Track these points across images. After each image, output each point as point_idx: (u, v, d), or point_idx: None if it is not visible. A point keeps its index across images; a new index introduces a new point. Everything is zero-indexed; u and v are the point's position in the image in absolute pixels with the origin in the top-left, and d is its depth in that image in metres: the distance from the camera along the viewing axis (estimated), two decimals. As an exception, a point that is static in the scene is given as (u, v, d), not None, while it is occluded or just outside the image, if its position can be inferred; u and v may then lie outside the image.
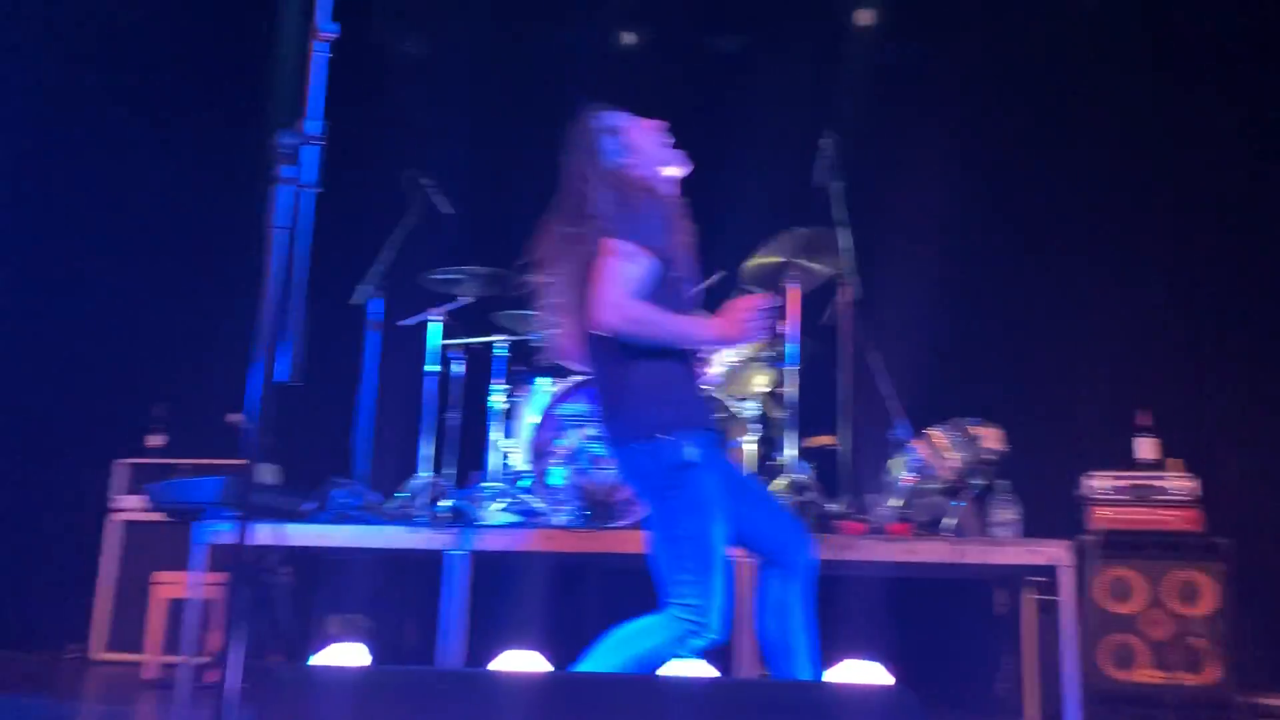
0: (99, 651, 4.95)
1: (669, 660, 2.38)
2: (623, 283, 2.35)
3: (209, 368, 5.25)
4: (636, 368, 2.42)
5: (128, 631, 4.83)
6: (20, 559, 5.44)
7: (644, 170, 2.60)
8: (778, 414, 4.33)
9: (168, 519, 4.34)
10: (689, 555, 2.34)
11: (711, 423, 2.53)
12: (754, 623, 2.62)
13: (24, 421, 5.62)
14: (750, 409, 4.31)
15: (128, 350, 5.51)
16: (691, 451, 2.36)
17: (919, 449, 3.85)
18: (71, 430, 5.49)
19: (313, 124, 1.80)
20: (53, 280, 5.70)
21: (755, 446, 4.30)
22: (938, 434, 3.87)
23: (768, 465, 4.29)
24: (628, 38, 5.77)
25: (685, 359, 2.51)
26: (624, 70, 5.63)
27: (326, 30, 1.81)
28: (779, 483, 4.02)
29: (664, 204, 2.50)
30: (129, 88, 5.64)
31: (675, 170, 2.66)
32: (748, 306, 2.45)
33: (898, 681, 3.47)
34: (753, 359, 4.30)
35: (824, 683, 2.44)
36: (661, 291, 2.42)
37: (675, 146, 2.67)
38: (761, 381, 4.37)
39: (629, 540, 3.78)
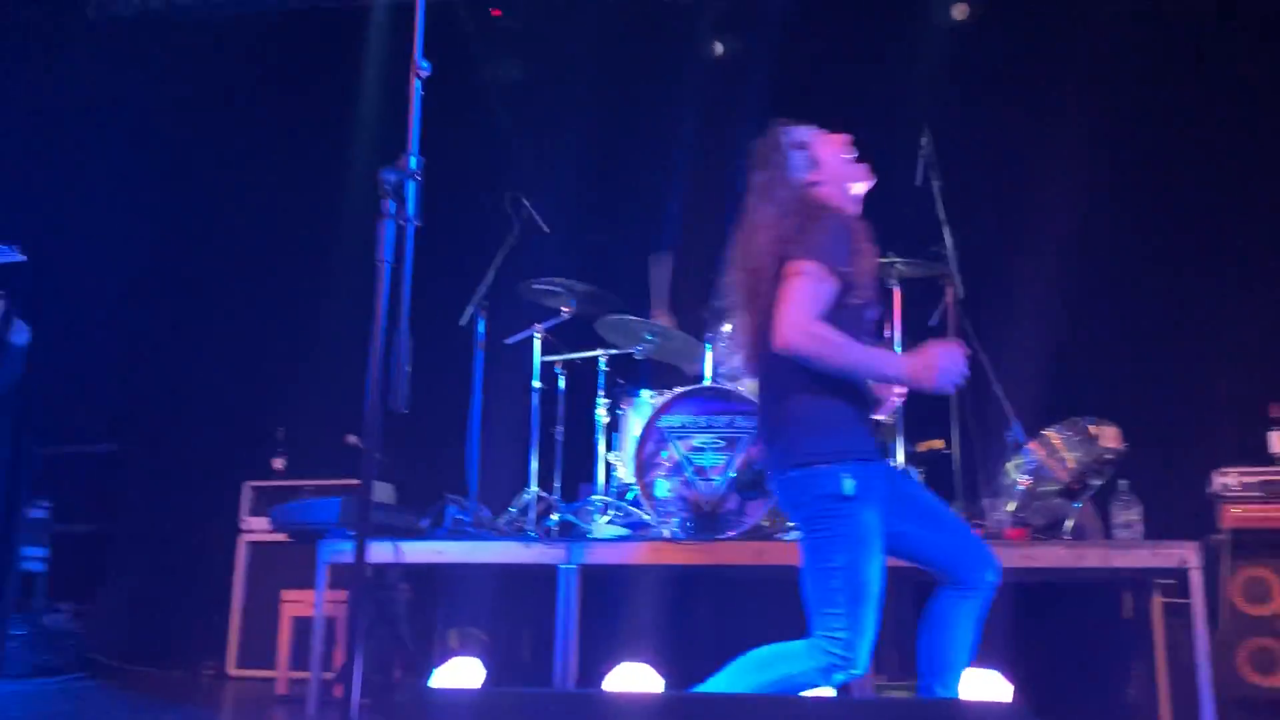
0: (233, 667, 5.16)
1: (806, 689, 2.32)
2: (809, 304, 2.28)
3: (327, 392, 5.44)
4: (803, 392, 2.37)
5: (259, 648, 5.02)
6: (159, 580, 5.73)
7: (831, 188, 2.52)
8: (883, 420, 4.27)
9: (292, 539, 4.50)
10: (840, 589, 2.29)
11: (875, 453, 2.43)
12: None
13: (159, 448, 5.94)
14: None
15: (252, 377, 5.76)
16: (849, 484, 2.30)
17: (1034, 450, 3.75)
18: (202, 455, 5.77)
19: (412, 160, 1.85)
20: (183, 314, 6.01)
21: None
22: (1054, 434, 3.76)
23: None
24: (719, 47, 5.77)
25: (857, 386, 2.42)
26: (718, 80, 5.63)
27: (422, 68, 1.87)
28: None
29: (850, 224, 2.42)
30: (251, 130, 5.90)
31: (860, 186, 2.57)
32: (945, 352, 2.32)
33: (1018, 690, 3.39)
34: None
35: (945, 700, 2.38)
36: (840, 315, 2.34)
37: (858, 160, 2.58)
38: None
39: (738, 551, 3.78)
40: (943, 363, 2.29)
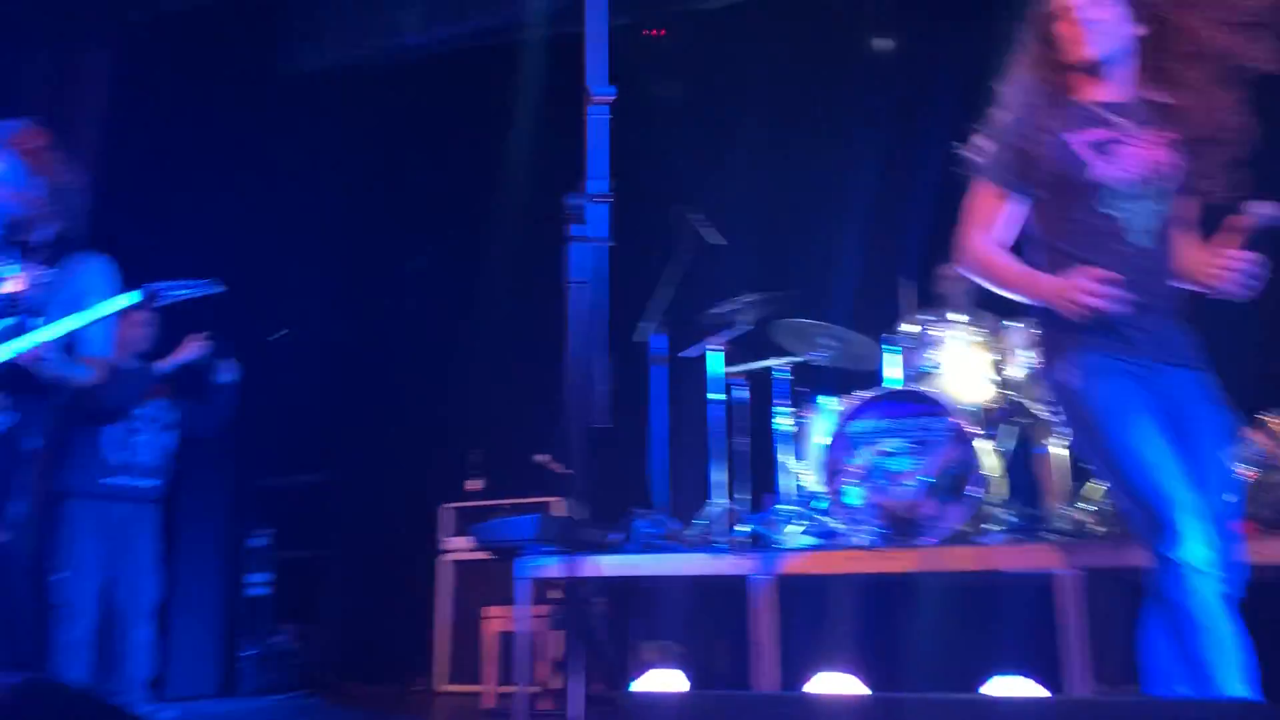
0: (441, 683, 5.39)
1: (1208, 617, 2.05)
2: (969, 224, 2.34)
3: (516, 414, 5.64)
4: None
5: (465, 663, 5.23)
6: (370, 600, 6.05)
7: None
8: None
9: (491, 557, 4.67)
10: (1107, 476, 2.20)
11: (1115, 347, 2.24)
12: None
13: (364, 475, 6.29)
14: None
15: (446, 403, 6.03)
16: (1072, 374, 2.22)
17: (1256, 439, 3.50)
18: (403, 480, 6.07)
19: (597, 183, 1.90)
20: (380, 347, 6.36)
21: (1066, 451, 4.06)
22: (1276, 420, 3.50)
23: (1081, 469, 4.04)
24: (881, 44, 5.67)
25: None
26: (882, 80, 5.53)
27: (601, 93, 1.92)
28: (1095, 488, 3.78)
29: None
30: (435, 163, 6.19)
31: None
32: (1087, 281, 2.17)
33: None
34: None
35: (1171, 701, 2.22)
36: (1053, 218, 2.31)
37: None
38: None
39: (937, 557, 3.67)
40: (1079, 290, 2.16)
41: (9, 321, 3.01)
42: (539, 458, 5.26)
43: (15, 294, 3.05)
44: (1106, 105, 2.31)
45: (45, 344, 3.00)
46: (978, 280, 2.34)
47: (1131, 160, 2.23)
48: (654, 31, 5.64)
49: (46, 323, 3.02)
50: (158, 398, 4.59)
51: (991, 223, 2.33)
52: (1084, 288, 2.13)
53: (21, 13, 4.79)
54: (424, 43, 5.33)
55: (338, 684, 5.81)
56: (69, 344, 3.17)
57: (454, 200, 6.07)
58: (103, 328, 3.25)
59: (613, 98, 1.95)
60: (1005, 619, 3.85)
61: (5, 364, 2.96)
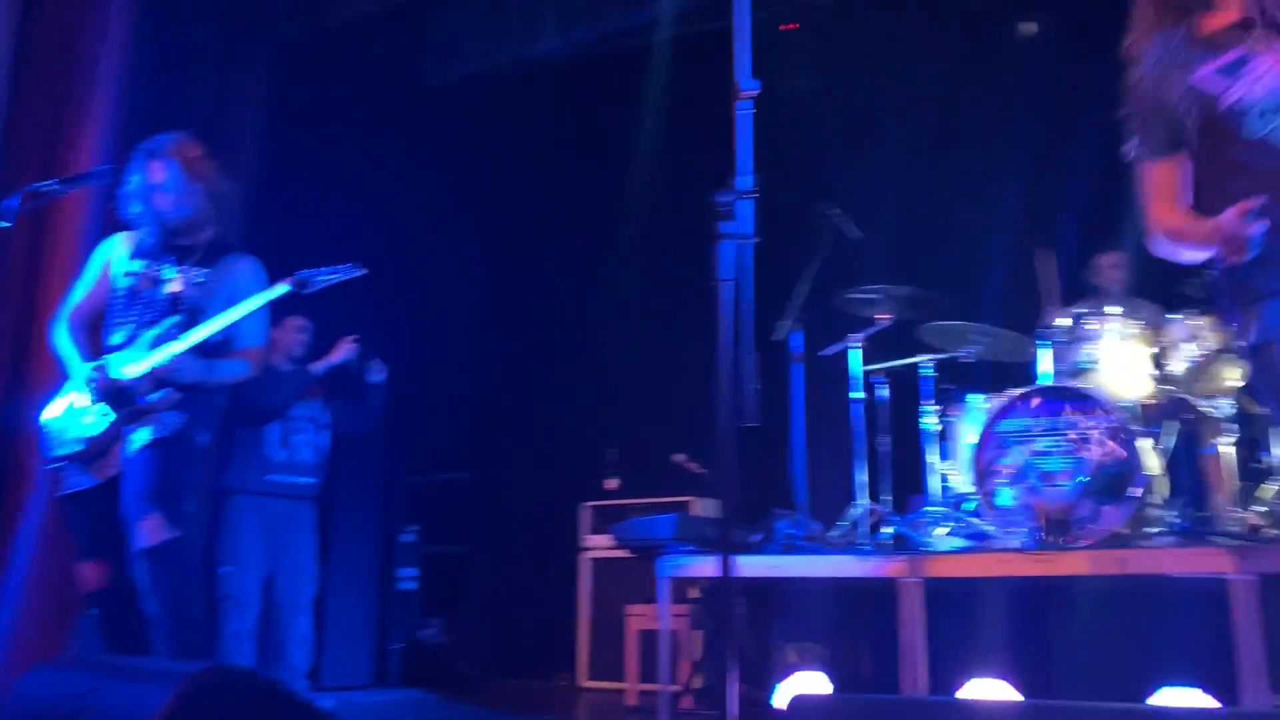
0: (584, 679, 5.45)
1: None
2: (1147, 204, 2.25)
3: (653, 414, 5.66)
4: None
5: (607, 660, 5.28)
6: (512, 596, 6.18)
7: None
8: (1258, 410, 3.83)
9: (631, 555, 4.70)
10: None
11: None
12: None
13: (507, 473, 6.43)
14: (1224, 408, 3.85)
15: (586, 404, 6.11)
16: (1260, 331, 2.06)
17: None
18: (544, 478, 6.18)
19: (744, 179, 1.88)
20: (522, 347, 6.50)
21: (1234, 449, 3.83)
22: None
23: (1252, 468, 3.81)
24: (1026, 27, 5.46)
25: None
26: (1029, 65, 5.32)
27: (748, 87, 1.90)
28: (1268, 488, 3.55)
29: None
30: (575, 162, 6.28)
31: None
32: (1232, 213, 2.01)
33: None
34: (1221, 350, 3.84)
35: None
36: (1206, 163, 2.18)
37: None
38: (1234, 375, 3.88)
39: (1095, 561, 3.51)
40: (1219, 235, 2.02)
41: (173, 319, 3.18)
42: (676, 457, 5.26)
43: (176, 294, 3.22)
44: (1228, 28, 2.18)
45: (183, 353, 3.13)
46: (1176, 257, 2.20)
47: (1265, 73, 2.09)
48: (789, 25, 5.57)
49: (205, 320, 3.18)
50: (314, 399, 4.79)
51: (1167, 194, 2.20)
52: (1229, 220, 1.98)
53: (183, 35, 5.07)
54: (560, 47, 5.41)
55: (483, 677, 5.95)
56: (227, 339, 3.33)
57: (595, 200, 6.13)
58: (258, 322, 3.36)
59: (757, 92, 1.93)
60: (1171, 626, 3.64)
61: (168, 374, 3.12)
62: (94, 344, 3.36)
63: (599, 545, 5.54)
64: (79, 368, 3.24)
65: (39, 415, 3.34)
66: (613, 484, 5.78)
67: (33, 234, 4.22)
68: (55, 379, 3.60)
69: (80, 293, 3.41)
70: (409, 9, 5.44)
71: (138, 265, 3.29)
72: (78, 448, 3.17)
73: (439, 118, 5.93)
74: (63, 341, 3.34)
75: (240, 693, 1.69)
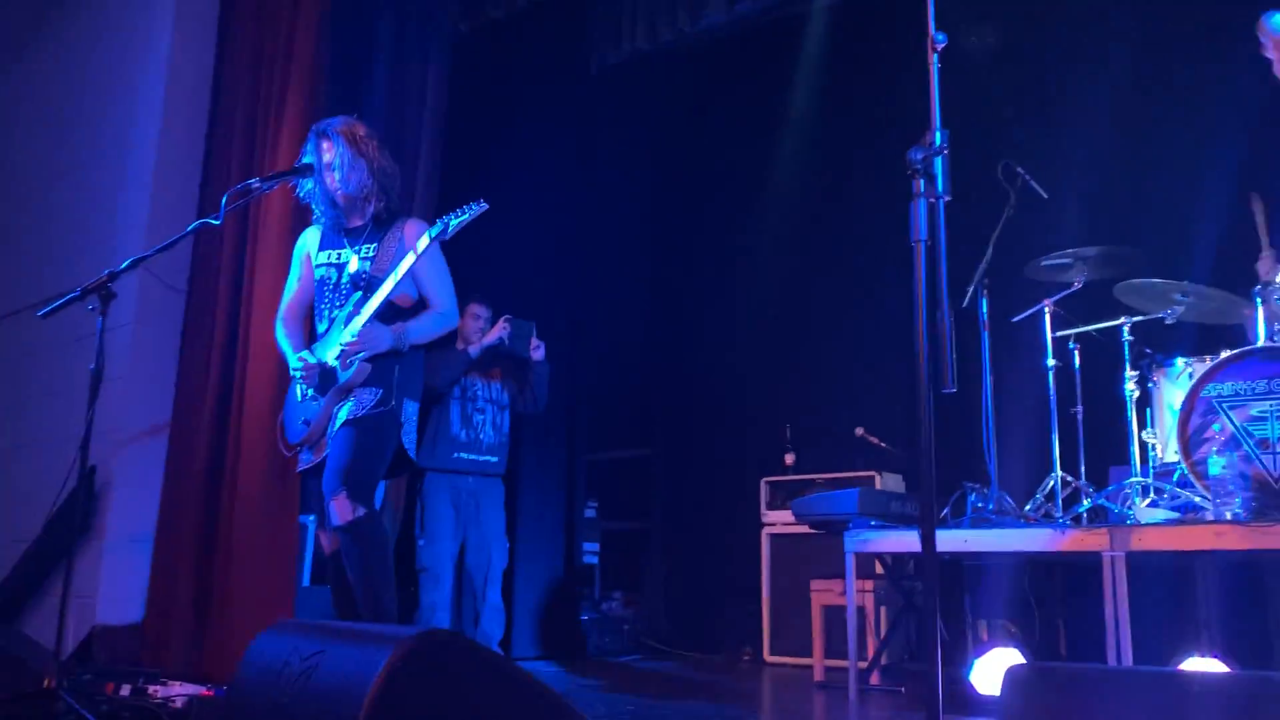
0: (768, 654, 5.45)
1: None
2: None
3: (831, 387, 5.58)
4: None
5: (792, 635, 5.26)
6: (693, 570, 6.24)
7: None
8: None
9: (813, 530, 4.65)
10: None
11: None
12: None
13: (684, 450, 6.48)
14: None
15: (763, 379, 6.09)
16: None
17: None
18: (722, 454, 6.20)
19: (937, 135, 1.82)
20: (697, 325, 6.52)
21: None
22: None
23: None
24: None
25: None
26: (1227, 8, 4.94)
27: (939, 40, 1.83)
28: None
29: None
30: (739, 133, 6.24)
31: None
32: None
33: None
34: None
35: None
36: None
37: None
38: None
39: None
40: None
41: (356, 296, 3.33)
42: (858, 431, 5.18)
43: (354, 273, 3.37)
44: None
45: (369, 323, 3.24)
46: None
47: None
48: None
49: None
50: (493, 380, 4.94)
51: None
52: None
53: (364, 33, 5.30)
54: (726, 20, 5.37)
55: (668, 651, 6.02)
56: (419, 303, 3.44)
57: (769, 171, 6.07)
58: (440, 279, 3.45)
59: (944, 44, 1.86)
60: None
61: (360, 348, 3.27)
62: (308, 336, 3.58)
63: (779, 521, 5.51)
64: (292, 360, 3.45)
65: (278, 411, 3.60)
66: (790, 459, 5.73)
67: (240, 231, 4.52)
68: (278, 372, 3.86)
69: (289, 290, 3.63)
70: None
71: (325, 256, 3.48)
72: (304, 432, 3.39)
73: (607, 101, 6.00)
74: (280, 338, 3.57)
75: (458, 657, 1.77)
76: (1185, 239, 4.47)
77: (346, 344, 3.26)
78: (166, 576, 4.28)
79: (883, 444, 5.12)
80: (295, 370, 3.42)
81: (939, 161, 1.79)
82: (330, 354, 3.34)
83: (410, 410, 3.42)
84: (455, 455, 4.77)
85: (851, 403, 5.44)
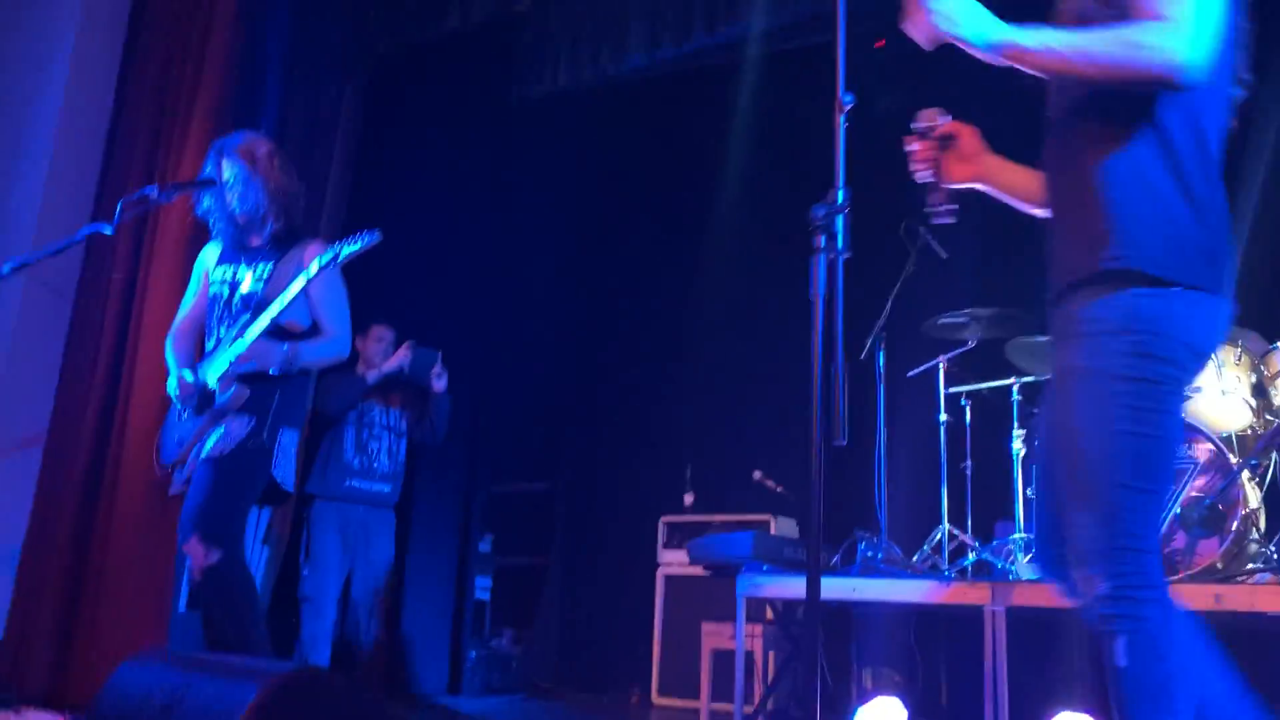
0: (657, 695, 5.42)
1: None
2: None
3: (731, 429, 5.63)
4: None
5: (681, 677, 5.24)
6: (587, 609, 6.18)
7: None
8: None
9: (706, 572, 4.67)
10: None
11: None
12: None
13: (583, 486, 6.45)
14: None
15: (664, 417, 6.10)
16: None
17: None
18: (621, 492, 6.18)
19: (840, 193, 1.86)
20: (601, 359, 6.52)
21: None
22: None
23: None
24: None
25: None
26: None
27: (846, 101, 1.88)
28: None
29: None
30: (655, 181, 6.30)
31: None
32: None
33: None
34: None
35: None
36: None
37: None
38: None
39: (1189, 595, 3.39)
40: None
41: (244, 317, 3.24)
42: (756, 474, 5.22)
43: (248, 294, 3.29)
44: None
45: (261, 339, 3.15)
46: None
47: None
48: (879, 43, 5.51)
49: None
50: (392, 407, 4.86)
51: None
52: None
53: (284, 50, 5.21)
54: (648, 63, 5.43)
55: (555, 689, 5.95)
56: (312, 327, 3.35)
57: (682, 215, 6.13)
58: (337, 305, 3.36)
59: (851, 106, 1.91)
60: (1270, 665, 3.50)
61: (245, 365, 3.17)
62: (200, 354, 3.47)
63: (675, 561, 5.51)
64: (171, 378, 3.35)
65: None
66: (689, 499, 5.75)
67: (135, 241, 4.37)
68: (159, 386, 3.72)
69: (185, 305, 3.53)
70: (498, 29, 5.52)
71: (220, 272, 3.39)
72: (177, 453, 3.28)
73: (526, 132, 6.00)
74: (169, 354, 3.47)
75: (327, 695, 1.72)
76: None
77: (233, 362, 3.17)
78: (31, 596, 4.08)
79: (779, 488, 5.18)
80: (172, 389, 3.32)
81: (840, 219, 1.83)
82: (212, 375, 3.25)
83: (288, 439, 3.31)
84: (347, 483, 4.67)
85: (751, 446, 5.49)
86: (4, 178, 4.80)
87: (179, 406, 3.33)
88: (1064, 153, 1.97)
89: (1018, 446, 4.29)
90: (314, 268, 3.15)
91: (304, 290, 3.18)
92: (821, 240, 1.82)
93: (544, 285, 6.45)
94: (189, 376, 3.29)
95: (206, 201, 3.40)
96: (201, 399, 3.25)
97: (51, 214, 4.52)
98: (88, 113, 4.71)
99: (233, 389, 3.17)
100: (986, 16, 1.85)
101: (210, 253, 3.49)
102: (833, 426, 1.83)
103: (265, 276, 3.31)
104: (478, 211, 6.03)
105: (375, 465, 4.75)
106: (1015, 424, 4.34)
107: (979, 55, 1.87)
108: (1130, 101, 1.84)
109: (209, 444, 3.18)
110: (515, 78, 5.81)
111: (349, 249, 3.18)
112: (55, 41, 4.81)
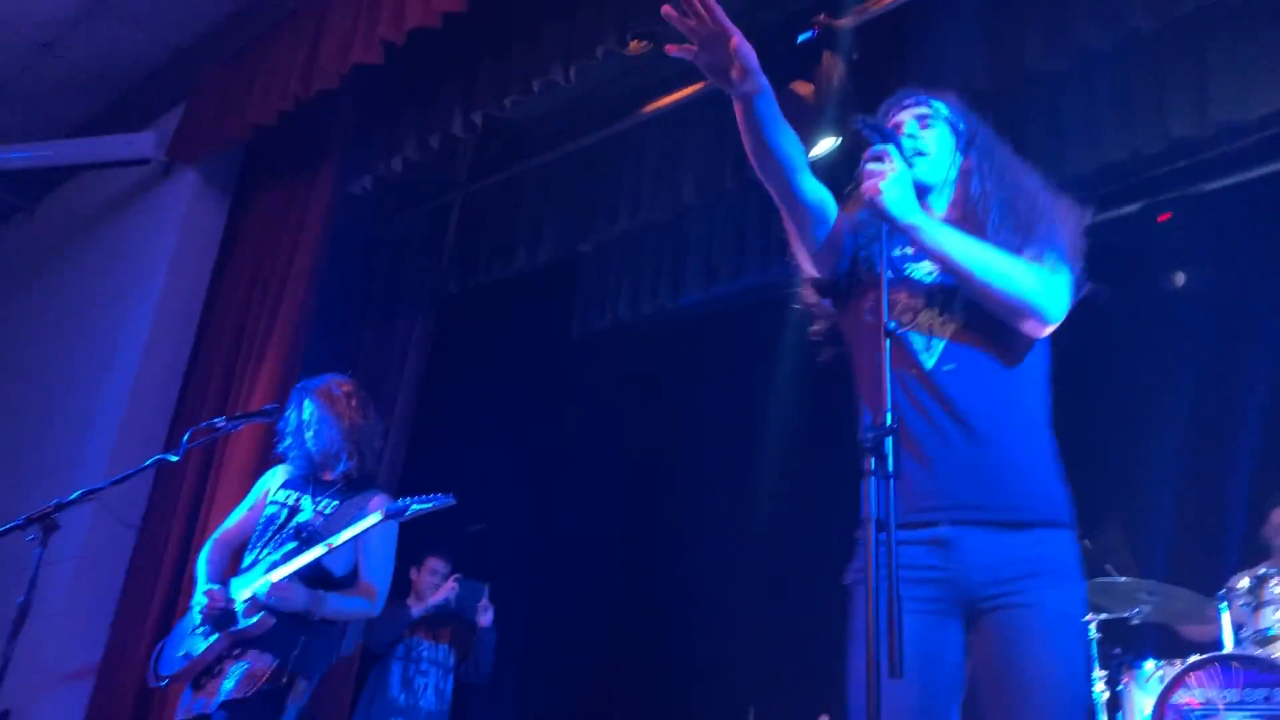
0: None
1: None
2: None
3: (795, 669, 5.38)
4: None
5: None
6: None
7: None
8: None
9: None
10: None
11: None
12: None
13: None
14: None
15: (722, 659, 5.83)
16: None
17: None
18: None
19: (889, 416, 1.85)
20: (656, 598, 6.34)
21: None
22: None
23: None
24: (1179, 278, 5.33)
25: None
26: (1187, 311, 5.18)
27: (890, 327, 1.89)
28: None
29: None
30: (706, 416, 6.32)
31: None
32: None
33: None
34: None
35: None
36: None
37: None
38: None
39: None
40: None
41: (291, 545, 3.20)
42: (823, 719, 4.94)
43: (304, 523, 3.28)
44: None
45: (292, 579, 3.10)
46: None
47: None
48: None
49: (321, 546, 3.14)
50: (441, 642, 4.75)
51: None
52: None
53: (356, 287, 5.50)
54: (704, 300, 5.61)
55: None
56: (351, 574, 3.32)
57: (738, 448, 6.13)
58: (382, 560, 3.35)
59: (894, 330, 1.92)
60: None
61: (270, 600, 3.09)
62: (233, 571, 3.45)
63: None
64: (200, 589, 3.28)
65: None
66: (752, 746, 5.43)
67: (203, 469, 4.48)
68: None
69: (232, 518, 3.53)
70: (561, 268, 5.78)
71: (283, 495, 3.42)
72: (180, 665, 3.19)
73: (586, 365, 6.15)
74: (200, 563, 3.42)
75: None
76: (1152, 536, 4.49)
77: (260, 592, 3.10)
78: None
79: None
80: (200, 599, 3.22)
81: (889, 441, 1.81)
82: (241, 594, 3.19)
83: (303, 689, 3.17)
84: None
85: (817, 689, 5.22)
86: (85, 415, 5.00)
87: (197, 620, 3.24)
88: None
89: (1098, 689, 4.02)
90: (379, 516, 3.17)
91: (357, 537, 3.18)
92: (871, 463, 1.79)
93: (601, 518, 6.41)
94: (217, 590, 3.22)
95: (287, 440, 3.48)
96: (224, 617, 3.17)
97: (128, 443, 4.66)
98: (168, 347, 4.94)
99: (258, 616, 3.10)
100: (915, 204, 2.02)
101: (278, 475, 3.53)
102: (895, 658, 1.73)
103: (327, 512, 3.32)
104: (537, 444, 6.10)
105: (421, 703, 4.60)
106: (1095, 665, 4.08)
107: (901, 227, 2.00)
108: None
109: (228, 683, 3.06)
110: (577, 313, 6.03)
111: (419, 506, 3.21)
112: (148, 271, 5.11)
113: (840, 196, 2.24)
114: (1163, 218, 5.01)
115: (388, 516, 3.16)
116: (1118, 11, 3.77)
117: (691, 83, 4.91)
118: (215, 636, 3.16)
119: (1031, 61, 3.96)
